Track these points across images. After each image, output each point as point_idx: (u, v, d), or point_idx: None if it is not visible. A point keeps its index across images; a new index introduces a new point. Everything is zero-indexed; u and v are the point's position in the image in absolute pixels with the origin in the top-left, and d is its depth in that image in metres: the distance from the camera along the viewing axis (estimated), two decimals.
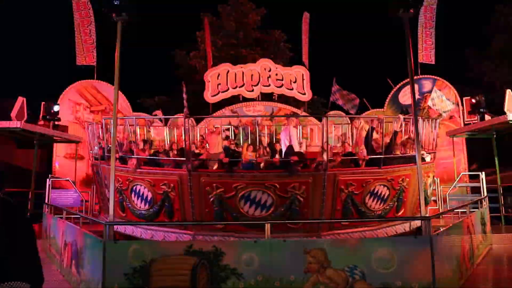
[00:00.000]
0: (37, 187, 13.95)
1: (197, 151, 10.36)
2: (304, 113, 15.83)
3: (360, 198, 8.59)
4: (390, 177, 8.86)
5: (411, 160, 9.08)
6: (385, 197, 8.93)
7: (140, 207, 8.97)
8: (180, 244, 6.01)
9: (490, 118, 13.27)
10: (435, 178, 12.42)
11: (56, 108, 14.12)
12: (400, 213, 9.39)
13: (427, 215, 7.31)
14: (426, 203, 9.54)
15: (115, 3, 6.58)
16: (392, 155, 9.25)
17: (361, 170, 8.70)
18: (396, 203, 9.05)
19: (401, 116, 10.14)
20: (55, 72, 21.53)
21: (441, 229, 6.72)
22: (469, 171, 15.33)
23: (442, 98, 15.70)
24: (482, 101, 13.78)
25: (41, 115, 14.01)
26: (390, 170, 8.92)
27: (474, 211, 9.83)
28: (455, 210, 9.11)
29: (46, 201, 12.40)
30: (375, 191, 8.77)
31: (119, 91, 7.40)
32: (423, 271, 5.60)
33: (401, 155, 9.46)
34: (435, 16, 16.68)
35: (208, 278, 5.65)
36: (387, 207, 9.03)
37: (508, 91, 12.50)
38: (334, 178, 8.30)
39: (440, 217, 10.31)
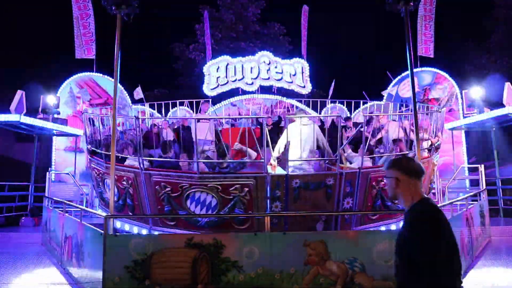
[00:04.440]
0: (37, 180, 13.99)
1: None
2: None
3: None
4: None
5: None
6: None
7: None
8: (181, 237, 6.03)
9: (489, 111, 13.28)
10: (436, 171, 12.42)
11: (55, 101, 14.10)
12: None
13: None
14: None
15: None
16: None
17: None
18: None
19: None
20: (55, 66, 21.41)
21: None
22: (468, 164, 15.36)
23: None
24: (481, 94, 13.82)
25: (40, 108, 13.99)
26: None
27: (473, 203, 9.87)
28: (454, 203, 9.07)
29: (46, 194, 12.41)
30: None
31: (119, 84, 7.35)
32: None
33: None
34: (434, 9, 16.63)
35: (209, 271, 5.67)
36: None
37: (507, 84, 12.50)
38: None
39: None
